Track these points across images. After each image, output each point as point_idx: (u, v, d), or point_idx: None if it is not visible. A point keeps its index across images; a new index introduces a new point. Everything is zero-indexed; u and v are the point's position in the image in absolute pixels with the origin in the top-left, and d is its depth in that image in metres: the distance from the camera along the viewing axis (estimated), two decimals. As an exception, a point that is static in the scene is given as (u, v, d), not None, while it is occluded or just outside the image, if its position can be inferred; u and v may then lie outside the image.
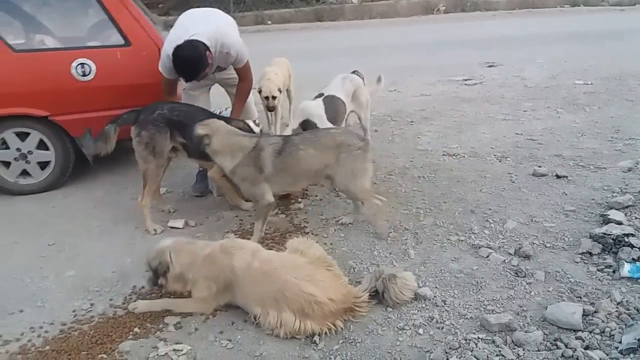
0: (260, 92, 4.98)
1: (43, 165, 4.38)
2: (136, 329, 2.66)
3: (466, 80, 8.35)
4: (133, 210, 3.87)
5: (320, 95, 4.33)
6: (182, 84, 4.18)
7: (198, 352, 2.49)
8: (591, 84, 7.41)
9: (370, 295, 2.67)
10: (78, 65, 4.19)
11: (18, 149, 4.28)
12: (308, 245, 2.83)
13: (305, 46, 11.55)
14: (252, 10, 16.58)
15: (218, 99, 4.59)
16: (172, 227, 3.74)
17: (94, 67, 4.23)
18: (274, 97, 4.95)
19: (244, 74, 3.99)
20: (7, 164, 4.30)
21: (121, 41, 4.33)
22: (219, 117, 3.67)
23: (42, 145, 4.32)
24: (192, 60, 3.56)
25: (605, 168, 4.33)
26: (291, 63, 5.81)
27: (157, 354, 2.47)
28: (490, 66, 9.54)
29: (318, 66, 8.43)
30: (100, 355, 2.48)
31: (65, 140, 4.32)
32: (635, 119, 5.73)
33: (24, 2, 4.54)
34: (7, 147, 4.26)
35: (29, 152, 4.30)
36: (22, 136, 4.27)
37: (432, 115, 6.35)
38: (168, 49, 3.64)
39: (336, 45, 11.63)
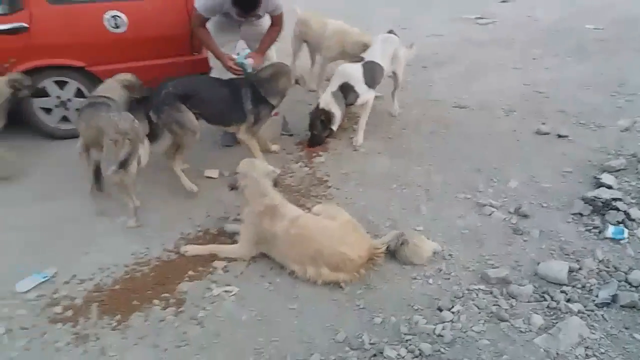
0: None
1: (81, 111, 4.69)
2: (190, 272, 3.13)
3: (478, 18, 8.43)
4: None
5: (361, 59, 4.55)
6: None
7: (245, 293, 2.98)
8: (602, 28, 7.52)
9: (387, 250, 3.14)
10: (110, 17, 4.40)
11: (58, 97, 4.58)
12: (337, 210, 3.28)
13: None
14: None
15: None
16: (207, 177, 4.14)
17: (125, 19, 4.44)
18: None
19: (277, 21, 4.20)
20: (48, 110, 4.61)
21: (150, -7, 4.51)
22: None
23: (79, 94, 4.62)
24: None
25: (604, 127, 4.67)
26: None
27: (212, 294, 2.96)
28: (503, 1, 9.55)
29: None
30: (163, 294, 2.96)
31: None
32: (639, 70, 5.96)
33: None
34: (48, 95, 4.56)
35: (68, 99, 4.61)
36: (61, 84, 4.56)
37: (444, 60, 6.57)
38: None
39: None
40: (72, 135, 4.67)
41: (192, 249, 3.33)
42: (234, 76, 4.08)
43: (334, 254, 2.92)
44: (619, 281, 2.94)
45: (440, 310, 2.78)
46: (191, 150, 3.98)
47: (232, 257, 3.24)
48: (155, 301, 2.91)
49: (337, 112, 4.36)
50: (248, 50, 4.18)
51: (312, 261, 2.96)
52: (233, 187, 3.27)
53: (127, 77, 4.08)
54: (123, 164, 3.30)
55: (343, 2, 9.12)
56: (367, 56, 4.58)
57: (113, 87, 3.97)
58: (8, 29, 4.17)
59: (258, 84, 3.95)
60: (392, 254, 3.15)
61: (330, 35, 5.10)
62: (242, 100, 3.90)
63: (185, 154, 3.96)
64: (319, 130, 4.40)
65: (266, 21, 4.25)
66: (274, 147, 4.46)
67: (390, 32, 4.90)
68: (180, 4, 4.48)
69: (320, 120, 4.38)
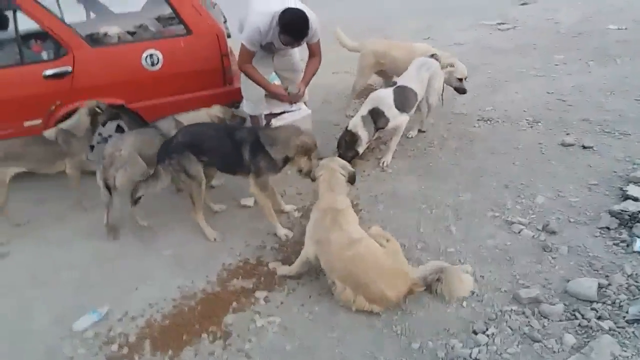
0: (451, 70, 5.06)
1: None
2: (234, 304, 3.33)
3: (499, 24, 8.48)
4: (213, 193, 4.46)
5: (394, 84, 4.72)
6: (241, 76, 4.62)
7: (287, 323, 3.16)
8: (625, 28, 7.51)
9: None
10: (147, 56, 4.65)
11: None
12: (389, 237, 3.43)
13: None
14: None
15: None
16: (244, 205, 4.34)
17: (161, 56, 4.69)
18: (465, 79, 5.14)
19: (316, 49, 4.32)
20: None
21: (184, 31, 4.74)
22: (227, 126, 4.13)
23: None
24: (303, 18, 3.90)
25: (629, 135, 4.70)
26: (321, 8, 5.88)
27: (256, 326, 3.15)
28: (523, 4, 9.56)
29: (352, 7, 8.60)
30: (211, 328, 3.17)
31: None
32: (665, 72, 5.96)
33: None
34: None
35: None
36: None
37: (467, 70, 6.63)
38: (258, 21, 3.97)
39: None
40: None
41: (280, 269, 3.57)
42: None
43: (374, 289, 3.06)
44: (649, 296, 3.03)
45: (476, 333, 2.91)
46: (201, 200, 3.95)
47: (302, 263, 3.38)
48: (204, 335, 3.12)
49: (363, 135, 4.50)
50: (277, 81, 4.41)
51: (355, 287, 3.11)
52: (313, 179, 3.52)
53: (216, 110, 4.41)
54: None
55: (366, 13, 9.27)
56: (400, 81, 4.73)
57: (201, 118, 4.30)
58: (54, 74, 4.47)
59: (263, 136, 3.77)
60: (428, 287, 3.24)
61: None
62: (242, 151, 3.77)
63: (201, 203, 3.95)
64: (343, 150, 4.57)
65: (297, 51, 4.44)
66: (288, 208, 4.25)
67: (433, 56, 4.96)
68: (213, 39, 4.70)
69: (345, 141, 4.54)
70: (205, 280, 3.58)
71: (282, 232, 3.94)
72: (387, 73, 5.65)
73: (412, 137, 5.14)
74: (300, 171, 3.75)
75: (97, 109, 4.35)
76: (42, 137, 4.24)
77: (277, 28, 3.97)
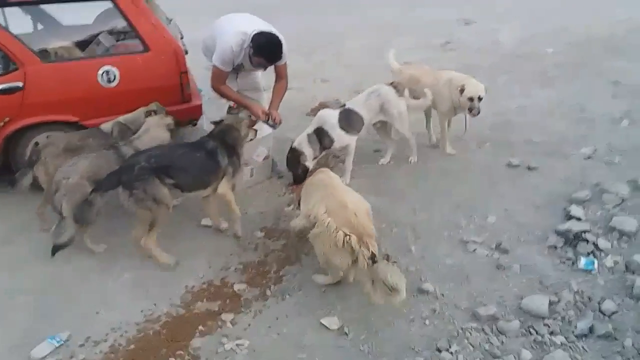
0: (462, 92, 4.87)
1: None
2: (200, 327, 3.32)
3: (444, 44, 8.84)
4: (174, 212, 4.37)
5: (343, 106, 4.86)
6: (204, 97, 4.63)
7: (255, 345, 3.18)
8: (560, 51, 8.02)
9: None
10: (104, 72, 4.56)
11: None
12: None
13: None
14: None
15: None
16: (204, 225, 4.33)
17: (117, 73, 4.60)
18: (480, 99, 4.84)
19: (283, 72, 4.38)
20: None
21: (141, 47, 4.68)
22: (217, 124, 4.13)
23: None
24: (277, 42, 4.01)
25: (569, 156, 5.05)
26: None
27: (224, 349, 3.15)
28: (466, 24, 10.01)
29: (301, 23, 8.74)
30: (178, 352, 3.14)
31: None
32: (597, 95, 6.43)
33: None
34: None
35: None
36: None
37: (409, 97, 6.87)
38: (230, 41, 3.98)
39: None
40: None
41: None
42: None
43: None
44: (593, 311, 3.26)
45: (440, 351, 3.04)
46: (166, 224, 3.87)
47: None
48: (171, 359, 3.09)
49: (308, 151, 4.58)
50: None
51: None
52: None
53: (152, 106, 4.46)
54: None
55: (315, 30, 9.43)
56: (348, 104, 4.89)
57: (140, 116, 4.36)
58: (3, 89, 4.30)
59: (228, 137, 3.99)
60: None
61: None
62: (218, 158, 3.89)
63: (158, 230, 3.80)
64: (293, 167, 4.64)
65: (259, 71, 4.50)
66: (223, 225, 4.29)
67: (391, 84, 5.03)
68: (171, 57, 4.66)
69: (289, 157, 4.64)
70: (168, 303, 3.55)
71: (241, 232, 4.17)
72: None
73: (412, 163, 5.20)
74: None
75: (152, 112, 4.45)
76: (99, 130, 4.35)
77: (248, 49, 4.02)
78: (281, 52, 4.10)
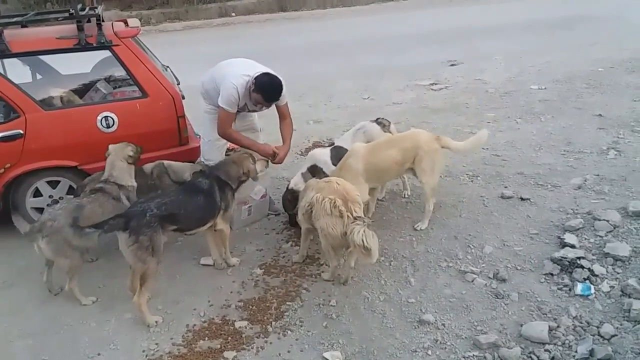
0: None
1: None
2: (203, 366, 3.32)
3: (432, 85, 9.09)
4: (173, 248, 4.45)
5: (332, 144, 5.00)
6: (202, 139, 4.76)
7: (259, 383, 3.18)
8: (545, 88, 8.28)
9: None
10: (102, 118, 4.67)
11: (50, 196, 4.76)
12: None
13: (271, 45, 11.99)
14: (216, 1, 16.77)
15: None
16: (204, 265, 4.35)
17: (116, 119, 4.71)
18: None
19: (286, 111, 4.53)
20: (41, 210, 4.76)
21: (139, 93, 4.81)
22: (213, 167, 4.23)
23: (70, 191, 4.79)
24: (278, 83, 4.20)
25: (560, 186, 5.16)
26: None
27: (228, 387, 3.14)
28: (452, 65, 10.32)
29: (291, 69, 8.93)
30: (182, 391, 3.13)
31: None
32: (583, 128, 6.61)
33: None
34: (41, 195, 4.73)
35: (60, 197, 4.78)
36: (53, 184, 4.74)
37: (405, 129, 7.05)
38: (236, 82, 4.14)
39: (302, 41, 12.21)
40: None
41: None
42: None
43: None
44: (593, 335, 3.30)
45: (443, 380, 3.05)
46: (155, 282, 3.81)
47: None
48: (176, 400, 3.07)
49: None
50: None
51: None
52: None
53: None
54: None
55: (304, 73, 9.68)
56: (337, 142, 5.05)
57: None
58: (4, 137, 4.39)
59: (223, 173, 4.07)
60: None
61: None
62: (215, 197, 3.95)
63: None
64: (290, 209, 4.71)
65: (256, 113, 4.65)
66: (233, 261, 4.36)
67: (377, 120, 5.15)
68: (169, 102, 4.79)
69: (288, 199, 4.70)
70: (170, 343, 3.54)
71: (234, 260, 4.30)
72: None
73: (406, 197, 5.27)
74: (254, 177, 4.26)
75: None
76: (141, 169, 4.46)
77: (251, 90, 4.18)
78: (280, 94, 4.27)
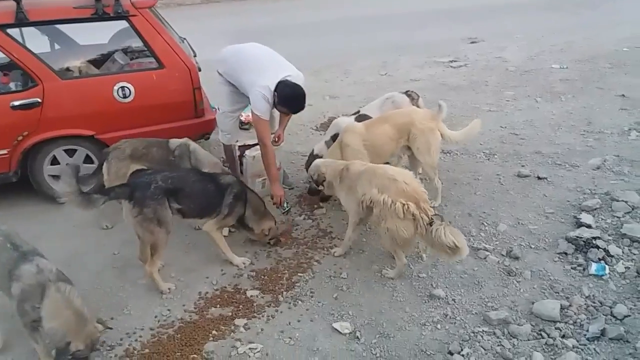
0: None
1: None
2: (214, 332, 3.35)
3: (452, 62, 8.96)
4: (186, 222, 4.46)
5: (357, 112, 4.92)
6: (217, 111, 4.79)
7: (268, 349, 3.21)
8: (566, 67, 8.11)
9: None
10: (119, 88, 4.68)
11: (67, 164, 4.80)
12: None
13: (289, 20, 11.88)
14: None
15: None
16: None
17: (133, 89, 4.73)
18: None
19: None
20: (58, 177, 4.82)
21: (156, 64, 4.82)
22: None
23: (88, 160, 4.85)
24: (301, 93, 4.21)
25: (578, 166, 5.08)
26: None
27: (237, 352, 3.18)
28: (472, 42, 10.15)
29: (307, 45, 8.88)
30: (192, 356, 3.18)
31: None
32: (604, 109, 6.48)
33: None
34: (58, 163, 4.79)
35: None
36: (70, 152, 4.80)
37: (424, 106, 6.97)
38: (264, 92, 4.14)
39: (320, 17, 12.04)
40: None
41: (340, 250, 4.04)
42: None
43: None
44: (605, 315, 3.27)
45: (451, 354, 3.06)
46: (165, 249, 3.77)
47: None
48: (185, 362, 3.13)
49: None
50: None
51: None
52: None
53: None
54: None
55: (323, 50, 9.60)
56: (363, 109, 4.97)
57: None
58: (22, 105, 4.43)
59: (252, 200, 4.05)
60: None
61: None
62: (225, 195, 3.89)
63: (162, 254, 3.75)
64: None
65: None
66: (237, 261, 4.07)
67: (407, 92, 5.12)
68: (185, 74, 4.79)
69: (311, 163, 4.67)
70: (182, 309, 3.59)
71: (239, 260, 4.04)
72: None
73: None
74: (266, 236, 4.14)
75: None
76: (164, 143, 4.44)
77: (275, 103, 4.22)
78: (304, 102, 4.25)
